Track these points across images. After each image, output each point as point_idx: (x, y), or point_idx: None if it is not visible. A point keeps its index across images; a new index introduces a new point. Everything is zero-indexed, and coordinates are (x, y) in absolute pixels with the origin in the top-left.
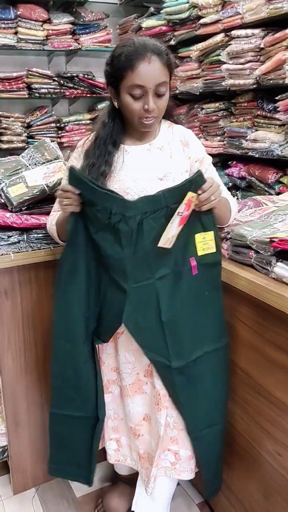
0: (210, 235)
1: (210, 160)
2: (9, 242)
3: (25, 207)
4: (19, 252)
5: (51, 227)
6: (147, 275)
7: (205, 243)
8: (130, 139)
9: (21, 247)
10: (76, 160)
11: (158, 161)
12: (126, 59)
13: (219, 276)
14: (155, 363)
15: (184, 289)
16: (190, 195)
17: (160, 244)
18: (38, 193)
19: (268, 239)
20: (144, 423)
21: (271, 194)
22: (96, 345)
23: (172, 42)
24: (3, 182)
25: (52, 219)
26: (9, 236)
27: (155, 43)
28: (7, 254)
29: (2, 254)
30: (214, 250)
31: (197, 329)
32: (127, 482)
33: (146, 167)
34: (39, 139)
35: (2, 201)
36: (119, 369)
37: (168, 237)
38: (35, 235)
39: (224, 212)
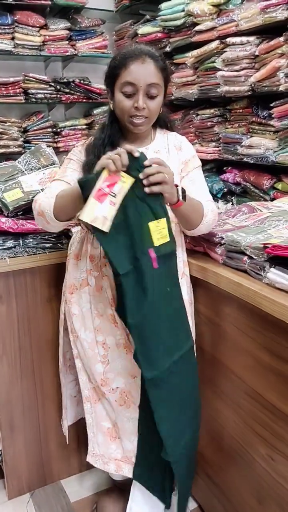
0: (162, 222)
1: (198, 164)
2: (4, 247)
3: (21, 212)
4: (15, 257)
5: (47, 200)
6: (115, 272)
7: (159, 232)
8: (127, 143)
9: (16, 252)
10: (77, 155)
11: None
12: (121, 58)
13: (177, 270)
14: None
15: (149, 288)
16: (106, 172)
17: (82, 217)
18: (33, 198)
19: (262, 245)
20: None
21: (266, 200)
22: None
23: (168, 49)
24: None
25: (53, 190)
26: (4, 241)
27: (151, 49)
28: (2, 259)
29: None
30: (168, 239)
31: (167, 332)
32: (121, 487)
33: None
34: (36, 144)
35: None
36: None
37: (96, 215)
38: (31, 240)
39: (190, 213)
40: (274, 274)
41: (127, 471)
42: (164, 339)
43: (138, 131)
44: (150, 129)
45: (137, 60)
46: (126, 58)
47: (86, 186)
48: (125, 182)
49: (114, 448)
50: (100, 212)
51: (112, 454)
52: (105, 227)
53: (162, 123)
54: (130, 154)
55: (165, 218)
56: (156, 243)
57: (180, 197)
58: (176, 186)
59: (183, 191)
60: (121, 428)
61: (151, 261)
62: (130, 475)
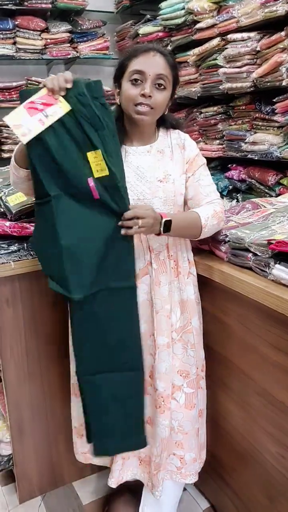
0: (98, 154)
1: (203, 162)
2: (9, 251)
3: (24, 216)
4: (19, 260)
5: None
6: (43, 191)
7: (97, 163)
8: (130, 141)
9: (21, 256)
10: None
11: (158, 163)
12: (132, 51)
13: (125, 205)
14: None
15: (87, 214)
16: (45, 90)
17: (5, 118)
18: None
19: (266, 241)
20: (147, 426)
21: (272, 196)
22: None
23: (169, 48)
24: (2, 191)
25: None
26: (9, 245)
27: (161, 47)
28: (7, 263)
29: (3, 263)
30: (107, 172)
31: (101, 261)
32: (133, 489)
33: (147, 169)
34: None
35: (2, 210)
36: None
37: (21, 123)
38: None
39: (183, 233)
40: (279, 270)
41: (95, 461)
42: (98, 265)
43: (142, 121)
44: (154, 128)
45: (147, 52)
46: (137, 50)
47: (24, 97)
48: (61, 108)
49: (80, 443)
50: (26, 123)
51: (79, 448)
52: (25, 138)
53: (167, 124)
54: (77, 83)
55: (100, 150)
56: (96, 175)
57: (162, 231)
58: (162, 217)
59: (168, 222)
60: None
61: (89, 190)
62: (97, 463)
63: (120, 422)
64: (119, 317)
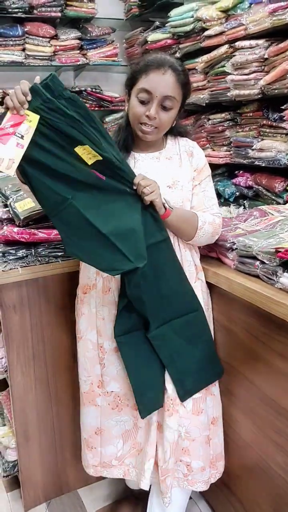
0: (87, 148)
1: (209, 173)
2: (17, 257)
3: (33, 222)
4: (27, 266)
5: None
6: (59, 198)
7: (88, 153)
8: (139, 148)
9: (29, 261)
10: None
11: (167, 169)
12: (144, 65)
13: (130, 177)
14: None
15: (108, 200)
16: (9, 112)
17: None
18: None
19: (274, 249)
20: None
21: (279, 203)
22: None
23: (178, 55)
24: (11, 197)
25: None
26: (17, 251)
27: (175, 62)
28: (15, 268)
29: (11, 269)
30: (100, 157)
31: (139, 228)
32: (138, 497)
33: (155, 175)
34: None
35: (10, 216)
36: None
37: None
38: (43, 249)
39: (180, 224)
40: (286, 279)
41: (105, 474)
42: (139, 232)
43: (145, 139)
44: (162, 136)
45: (158, 69)
46: (148, 65)
47: None
48: (31, 121)
49: (91, 457)
50: (4, 153)
51: (89, 461)
52: (11, 170)
53: (175, 132)
54: (36, 90)
55: (87, 145)
56: (90, 162)
57: (167, 206)
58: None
59: (166, 202)
60: (107, 432)
61: (94, 175)
62: (109, 476)
63: (197, 360)
64: (165, 268)
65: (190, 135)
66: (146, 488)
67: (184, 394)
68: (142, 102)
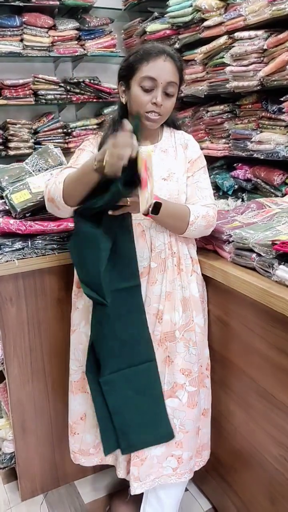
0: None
1: (204, 165)
2: (13, 249)
3: (29, 214)
4: (23, 258)
5: (56, 186)
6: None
7: None
8: None
9: (25, 254)
10: (89, 147)
11: (162, 161)
12: (144, 53)
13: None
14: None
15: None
16: (140, 162)
17: (141, 212)
18: (41, 199)
19: (270, 242)
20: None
21: (277, 196)
22: None
23: (177, 45)
24: (7, 189)
25: (63, 176)
26: (13, 243)
27: (171, 50)
28: (11, 260)
29: (7, 261)
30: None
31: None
32: None
33: None
34: (45, 144)
35: (6, 208)
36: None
37: (147, 200)
38: (40, 241)
39: (170, 221)
40: (283, 271)
41: (83, 462)
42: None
43: (151, 127)
44: (157, 128)
45: (159, 57)
46: (150, 53)
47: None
48: (149, 154)
49: (72, 442)
50: (148, 193)
51: (71, 447)
52: (151, 200)
53: (170, 122)
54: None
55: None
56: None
57: (150, 212)
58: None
59: (159, 205)
60: (91, 418)
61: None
62: (86, 464)
63: (144, 414)
64: (131, 314)
65: (185, 128)
66: (121, 477)
67: (126, 447)
68: (146, 91)
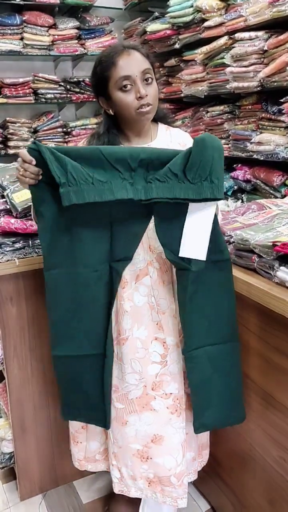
0: None
1: None
2: (14, 248)
3: (30, 213)
4: (24, 258)
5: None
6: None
7: None
8: (129, 141)
9: (26, 253)
10: None
11: None
12: (106, 60)
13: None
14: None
15: None
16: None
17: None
18: None
19: (271, 243)
20: (152, 445)
21: (277, 197)
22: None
23: (177, 46)
24: (8, 188)
25: None
26: (14, 242)
27: (131, 42)
28: (12, 260)
29: (8, 260)
30: None
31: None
32: None
33: None
34: (46, 144)
35: (7, 207)
36: (124, 380)
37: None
38: None
39: None
40: (283, 273)
41: (90, 468)
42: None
43: (147, 121)
44: (150, 125)
45: (122, 53)
46: (112, 56)
47: None
48: None
49: (76, 451)
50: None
51: (75, 455)
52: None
53: (161, 117)
54: None
55: None
56: None
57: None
58: None
59: None
60: (92, 427)
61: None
62: (93, 470)
63: (222, 394)
64: (218, 289)
65: (186, 127)
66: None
67: (199, 427)
68: (127, 91)
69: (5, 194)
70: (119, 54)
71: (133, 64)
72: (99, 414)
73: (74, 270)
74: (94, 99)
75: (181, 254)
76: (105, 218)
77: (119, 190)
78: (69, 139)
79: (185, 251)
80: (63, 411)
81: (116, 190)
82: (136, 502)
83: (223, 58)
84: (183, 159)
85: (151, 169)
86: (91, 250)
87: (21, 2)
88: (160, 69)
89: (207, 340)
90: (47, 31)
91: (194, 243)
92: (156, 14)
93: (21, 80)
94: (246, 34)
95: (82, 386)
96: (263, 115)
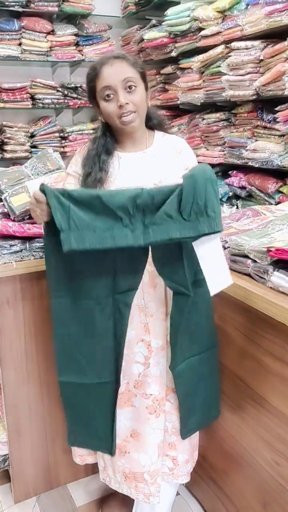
0: None
1: None
2: (11, 251)
3: (28, 216)
4: (21, 260)
5: None
6: None
7: None
8: (123, 148)
9: (23, 256)
10: (73, 168)
11: (153, 167)
12: (92, 71)
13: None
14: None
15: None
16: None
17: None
18: None
19: (266, 249)
20: (131, 439)
21: (271, 204)
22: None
23: (174, 54)
24: (6, 191)
25: None
26: (11, 245)
27: (120, 52)
28: (9, 262)
29: (5, 263)
30: None
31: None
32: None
33: (142, 173)
34: (43, 148)
35: (5, 210)
36: None
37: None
38: (38, 244)
39: None
40: (277, 278)
41: (90, 460)
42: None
43: (132, 128)
44: (146, 132)
45: (106, 64)
46: (96, 68)
47: None
48: None
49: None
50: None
51: (76, 450)
52: None
53: (156, 124)
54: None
55: None
56: None
57: None
58: None
59: None
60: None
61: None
62: (93, 461)
63: (205, 398)
64: (201, 304)
65: (182, 134)
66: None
67: (185, 433)
68: (109, 100)
69: (3, 197)
70: (103, 64)
71: (114, 73)
72: (107, 443)
73: (79, 301)
74: (91, 105)
75: (213, 293)
76: (110, 254)
77: (120, 238)
78: (66, 144)
79: (213, 288)
80: (69, 438)
81: (117, 238)
82: (128, 505)
83: (219, 66)
84: (177, 197)
85: (148, 212)
86: (95, 283)
87: (20, 9)
88: (157, 76)
89: (190, 353)
90: (45, 37)
91: (217, 276)
92: (154, 22)
93: (18, 85)
94: (242, 44)
95: (89, 416)
96: (259, 123)
